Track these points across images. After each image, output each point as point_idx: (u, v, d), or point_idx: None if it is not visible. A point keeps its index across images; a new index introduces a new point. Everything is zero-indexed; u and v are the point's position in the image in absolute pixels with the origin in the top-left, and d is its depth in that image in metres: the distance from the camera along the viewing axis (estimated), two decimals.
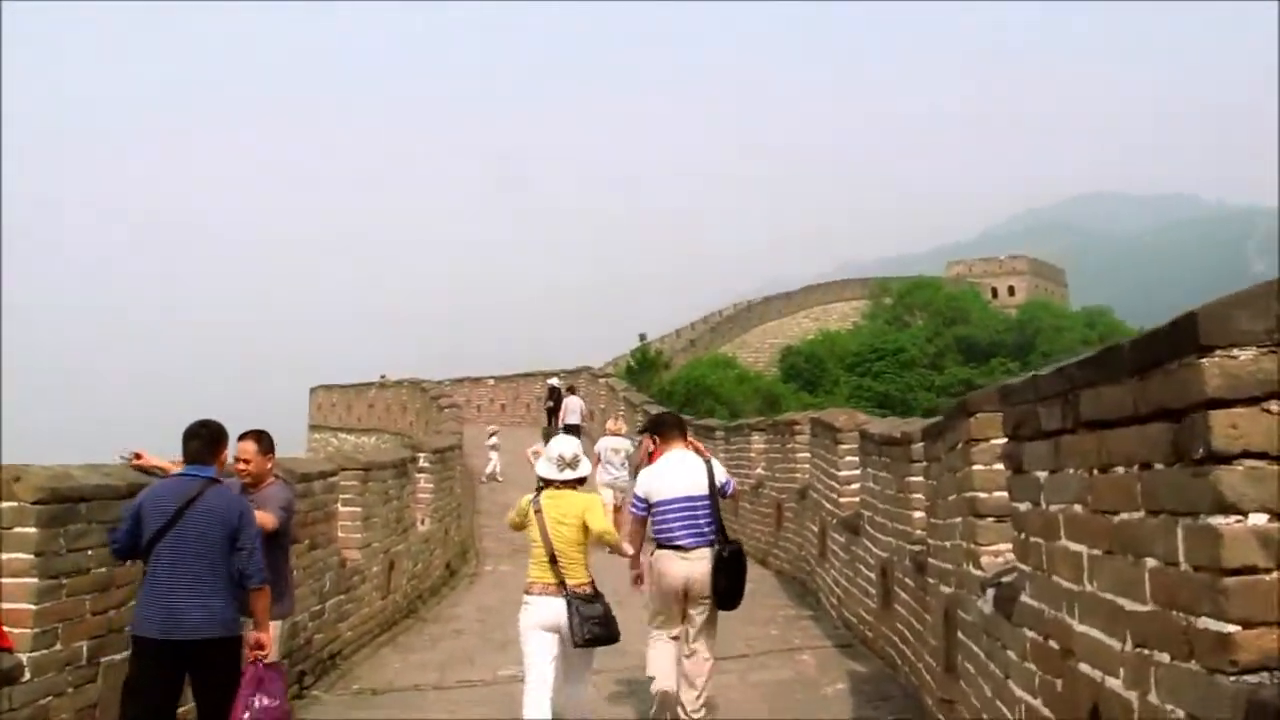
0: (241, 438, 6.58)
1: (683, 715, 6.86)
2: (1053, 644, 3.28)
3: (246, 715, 5.69)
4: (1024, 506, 3.61)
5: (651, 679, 6.92)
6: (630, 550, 6.98)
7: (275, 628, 6.49)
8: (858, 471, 9.31)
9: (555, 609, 6.22)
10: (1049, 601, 3.31)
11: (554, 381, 30.97)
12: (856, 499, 9.35)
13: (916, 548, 6.97)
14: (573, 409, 25.61)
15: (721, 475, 7.22)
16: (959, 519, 5.16)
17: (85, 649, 5.65)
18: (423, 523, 13.36)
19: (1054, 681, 3.27)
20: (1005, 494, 4.42)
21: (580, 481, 6.66)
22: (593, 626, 6.16)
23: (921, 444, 6.83)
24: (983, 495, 4.77)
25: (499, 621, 11.36)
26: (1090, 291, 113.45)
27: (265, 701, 5.71)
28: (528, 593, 6.39)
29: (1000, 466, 4.54)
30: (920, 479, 7.03)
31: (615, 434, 17.94)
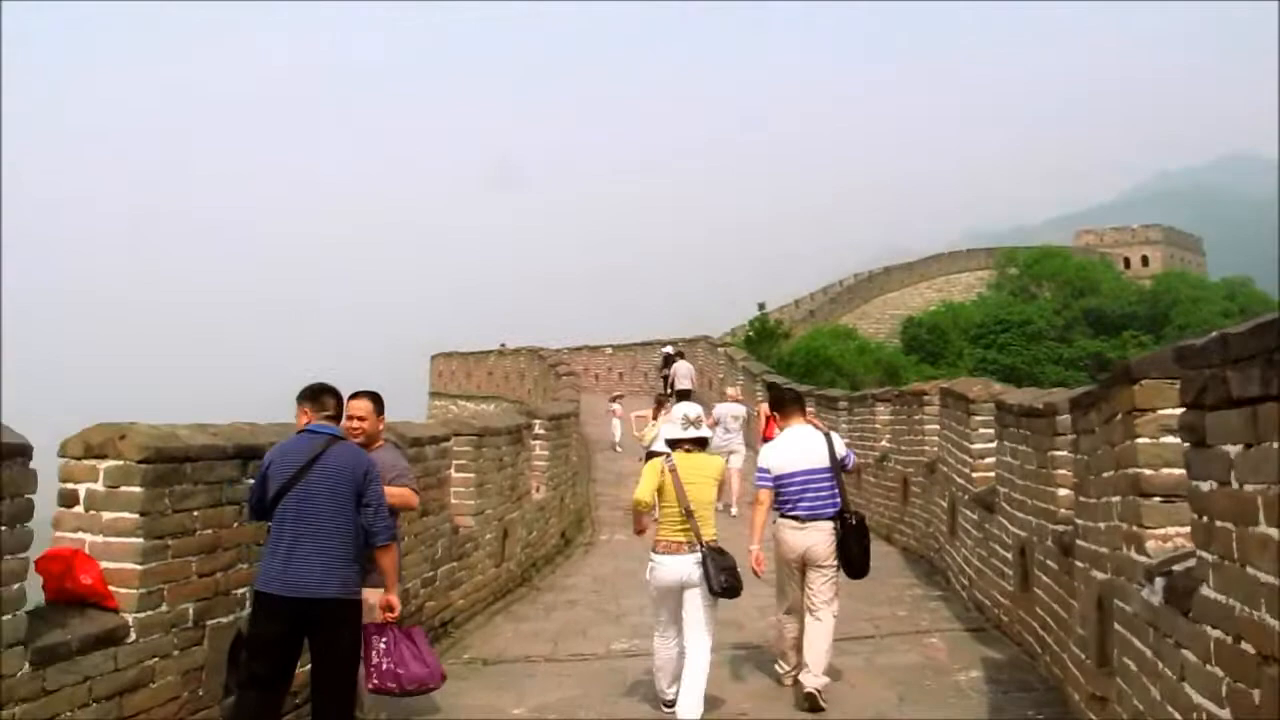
0: (354, 396, 6.42)
1: (805, 683, 6.87)
2: (1246, 647, 2.82)
3: (375, 677, 5.55)
4: (1207, 486, 3.14)
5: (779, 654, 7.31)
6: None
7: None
8: (993, 445, 8.79)
9: (684, 565, 6.49)
10: (1241, 597, 2.85)
11: (668, 349, 30.76)
12: (991, 474, 8.83)
13: (1061, 528, 6.47)
14: (683, 374, 25.69)
15: (841, 448, 7.37)
16: (1117, 498, 4.68)
17: (191, 611, 5.53)
18: (538, 490, 13.18)
19: (1249, 691, 2.81)
20: (1177, 471, 3.96)
21: (704, 442, 6.96)
22: (727, 576, 6.41)
23: (1068, 415, 6.33)
24: (1148, 472, 4.29)
25: (613, 593, 11.15)
26: (1228, 261, 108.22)
27: (387, 664, 5.56)
28: (654, 551, 6.67)
29: (1171, 439, 4.08)
30: (1066, 453, 6.54)
31: (733, 400, 18.64)
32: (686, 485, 6.58)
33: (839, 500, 7.10)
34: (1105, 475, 4.94)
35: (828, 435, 7.41)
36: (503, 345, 44.60)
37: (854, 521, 7.08)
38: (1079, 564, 5.75)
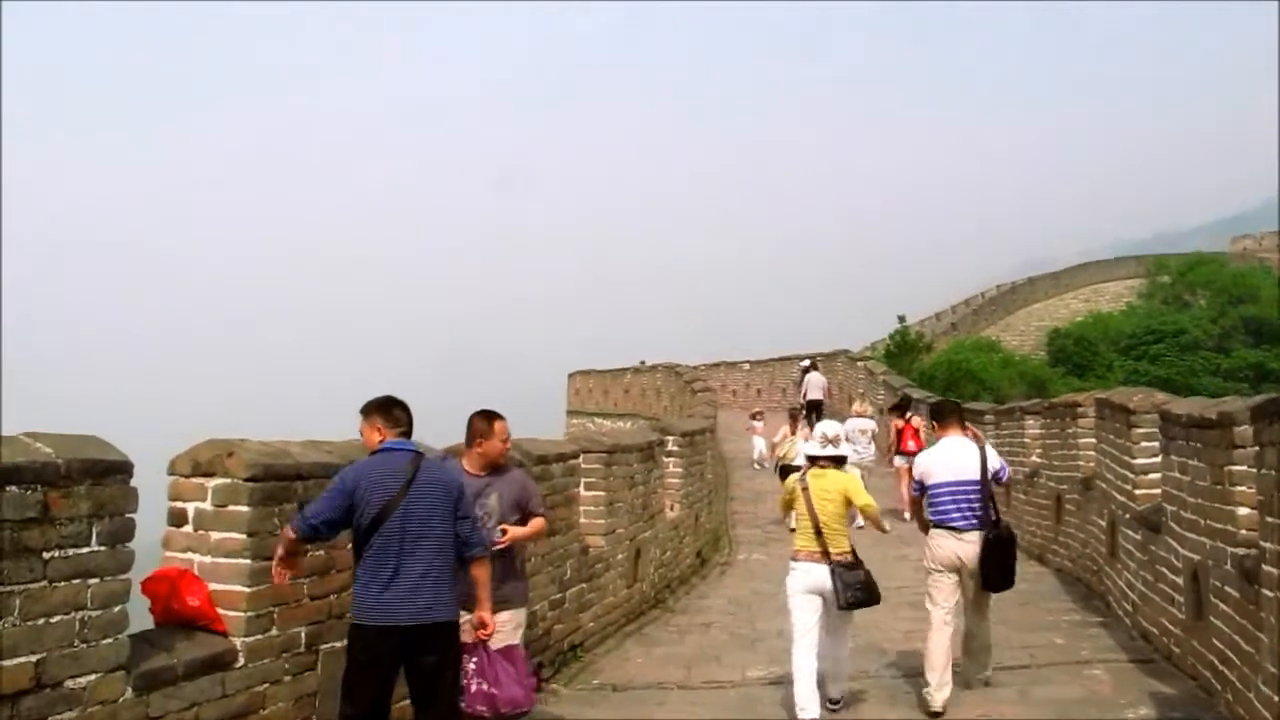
0: (492, 417, 6.17)
1: (968, 673, 7.24)
2: None
3: (464, 700, 5.33)
4: None
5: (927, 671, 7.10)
6: (888, 528, 7.80)
7: (518, 615, 6.19)
8: (1157, 459, 8.10)
9: (819, 575, 6.81)
10: None
11: (805, 363, 30.22)
12: (1155, 491, 8.14)
13: (1243, 551, 5.84)
14: (815, 385, 25.80)
15: (995, 461, 7.45)
16: None
17: (303, 635, 5.34)
18: (672, 509, 12.83)
19: None
20: None
21: (841, 460, 7.28)
22: (855, 591, 6.74)
23: (1249, 426, 5.72)
24: None
25: (749, 616, 10.73)
26: None
27: (477, 685, 5.33)
28: (793, 559, 7.01)
29: None
30: (1246, 468, 5.91)
31: (861, 415, 19.04)
32: (818, 501, 6.91)
33: (988, 511, 7.19)
34: None
35: (982, 448, 7.46)
36: (642, 362, 44.50)
37: (998, 535, 7.14)
38: (1267, 593, 5.14)
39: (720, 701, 7.68)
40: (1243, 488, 5.99)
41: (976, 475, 7.20)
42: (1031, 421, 14.02)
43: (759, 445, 24.09)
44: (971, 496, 7.15)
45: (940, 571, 7.19)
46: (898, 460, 17.19)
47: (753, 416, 25.81)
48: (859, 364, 33.03)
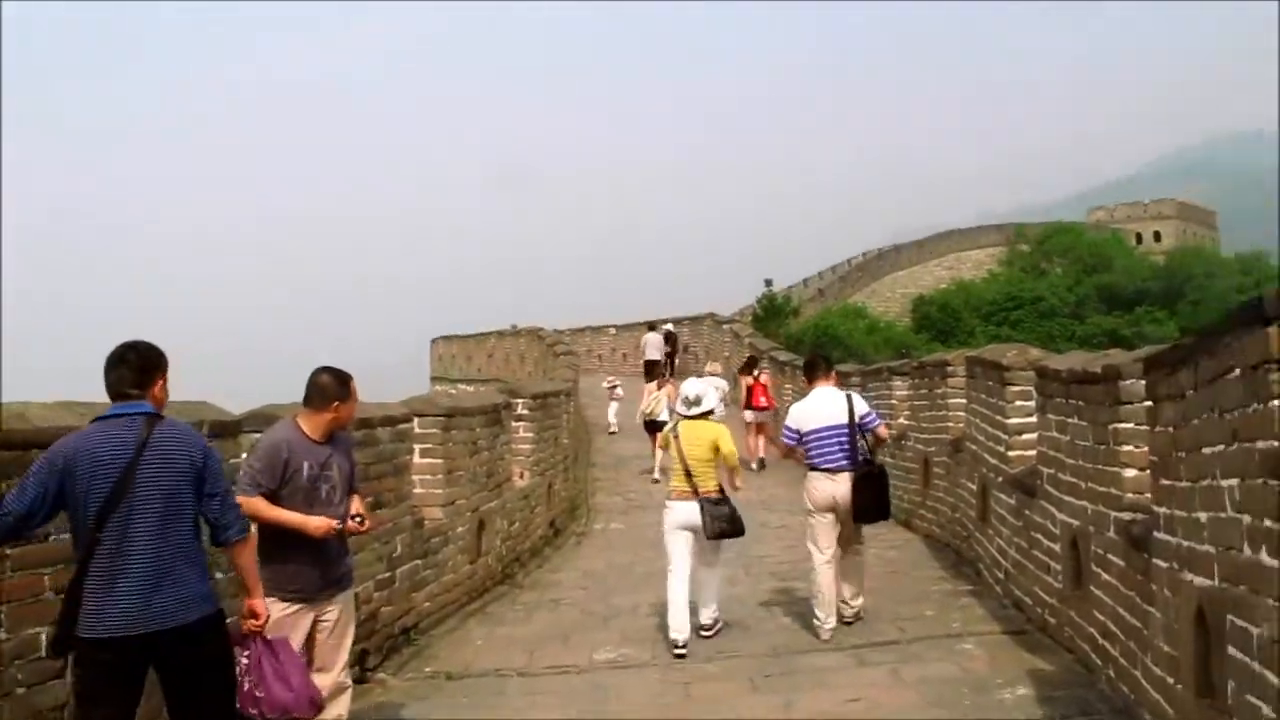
0: (345, 377, 5.39)
1: (844, 609, 7.77)
2: None
3: (254, 712, 4.49)
4: None
5: (817, 592, 7.73)
6: (741, 485, 8.33)
7: (351, 597, 5.56)
8: (1032, 419, 7.61)
9: (689, 510, 7.61)
10: None
11: (668, 327, 29.68)
12: (1031, 452, 7.65)
13: (1129, 515, 5.31)
14: (651, 345, 26.74)
15: (862, 407, 7.99)
16: (1233, 481, 3.50)
17: (44, 637, 4.36)
18: (521, 477, 12.02)
19: None
20: None
21: (708, 414, 8.01)
22: (721, 523, 7.54)
23: (1139, 380, 5.18)
24: None
25: (603, 591, 10.03)
26: (1245, 236, 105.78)
27: (248, 684, 4.59)
28: (668, 499, 7.83)
29: None
30: (1134, 426, 5.38)
31: (712, 374, 19.39)
32: (687, 446, 7.73)
33: (857, 452, 7.75)
34: (1208, 451, 3.77)
35: (849, 396, 8.04)
36: (513, 326, 43.51)
37: (868, 470, 7.72)
38: (1160, 563, 4.59)
39: (565, 689, 6.94)
40: (1129, 447, 5.46)
41: (845, 420, 7.78)
42: (899, 382, 13.58)
43: (611, 411, 23.71)
44: (842, 440, 7.73)
45: (818, 512, 7.73)
46: (747, 415, 18.40)
47: (610, 388, 25.28)
48: (725, 326, 32.73)
